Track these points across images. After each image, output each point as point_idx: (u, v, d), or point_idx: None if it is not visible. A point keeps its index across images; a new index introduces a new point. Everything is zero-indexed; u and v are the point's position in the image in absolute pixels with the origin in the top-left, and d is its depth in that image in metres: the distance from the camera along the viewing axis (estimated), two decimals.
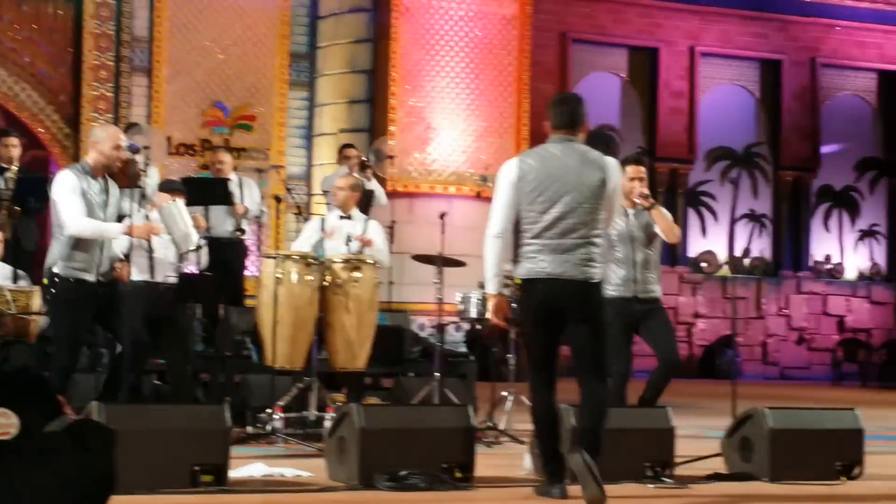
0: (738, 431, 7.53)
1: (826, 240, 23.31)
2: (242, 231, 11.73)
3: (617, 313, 7.97)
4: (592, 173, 6.33)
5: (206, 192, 11.43)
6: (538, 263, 6.30)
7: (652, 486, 6.87)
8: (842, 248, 23.40)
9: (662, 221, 8.15)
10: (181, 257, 8.79)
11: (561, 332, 6.38)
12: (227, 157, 12.18)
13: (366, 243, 9.43)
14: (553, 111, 6.43)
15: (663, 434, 7.10)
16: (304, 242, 9.66)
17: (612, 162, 6.45)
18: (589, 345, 6.36)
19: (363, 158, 12.57)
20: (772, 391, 17.18)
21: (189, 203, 10.53)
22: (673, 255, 20.79)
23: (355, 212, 9.70)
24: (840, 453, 7.46)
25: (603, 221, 6.40)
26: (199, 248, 9.02)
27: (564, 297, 6.30)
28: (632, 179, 8.17)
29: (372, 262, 8.98)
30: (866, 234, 23.60)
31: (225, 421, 6.33)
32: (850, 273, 23.36)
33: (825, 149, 23.22)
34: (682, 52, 22.14)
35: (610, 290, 8.03)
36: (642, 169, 8.31)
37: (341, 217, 9.60)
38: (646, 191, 8.19)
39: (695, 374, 20.53)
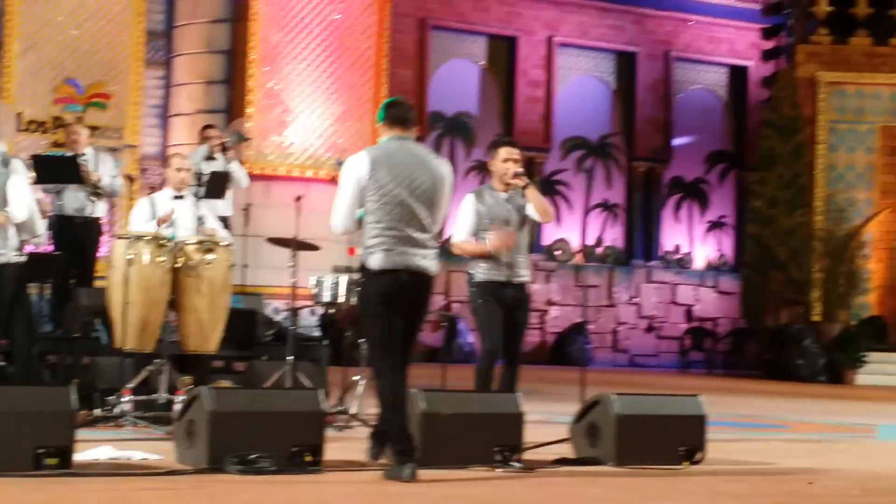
0: (585, 417, 7.66)
1: (676, 230, 23.78)
2: (98, 195, 11.43)
3: (490, 293, 8.06)
4: (433, 171, 6.72)
5: (55, 170, 11.19)
6: (389, 255, 6.57)
7: (500, 470, 6.95)
8: (691, 238, 23.89)
9: (537, 200, 8.21)
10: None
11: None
12: (82, 131, 11.92)
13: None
14: (389, 112, 6.79)
15: (512, 419, 7.18)
16: (138, 224, 9.32)
17: (446, 163, 6.88)
18: (412, 333, 6.70)
19: (224, 139, 12.45)
20: (621, 378, 17.48)
21: (38, 181, 10.35)
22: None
23: (188, 192, 9.50)
24: (683, 438, 7.63)
25: (438, 219, 6.75)
26: (40, 236, 8.77)
27: (411, 287, 6.61)
28: (506, 161, 8.22)
29: (225, 244, 8.92)
30: (715, 225, 24.13)
31: (70, 403, 6.24)
32: (699, 263, 23.86)
33: (677, 141, 23.68)
34: (540, 42, 22.37)
35: (480, 274, 8.10)
36: (515, 150, 8.37)
37: (175, 197, 9.38)
38: (521, 170, 8.24)
39: (546, 360, 20.79)
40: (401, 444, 6.42)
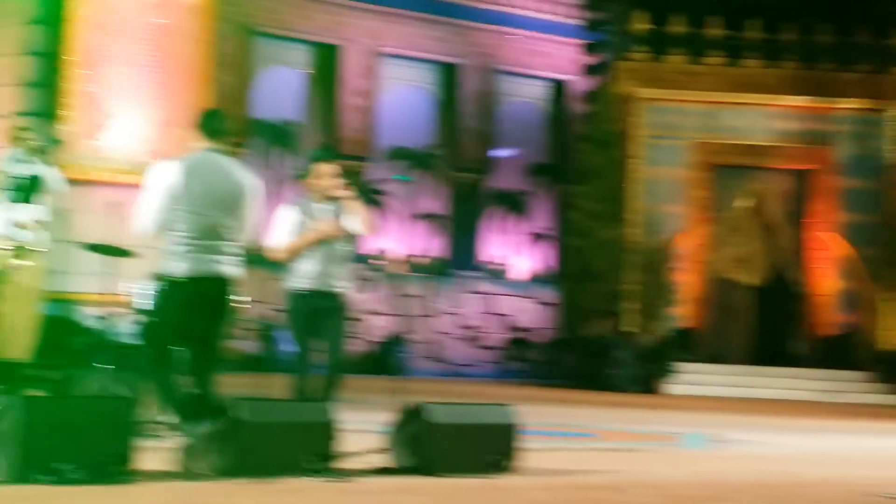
0: (403, 426, 7.72)
1: (498, 241, 24.07)
2: None
3: (299, 306, 8.06)
4: (239, 183, 7.04)
5: None
6: (194, 263, 6.87)
7: (314, 479, 6.96)
8: (512, 249, 24.20)
9: (362, 213, 8.25)
10: None
11: None
12: None
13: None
14: (204, 123, 7.09)
15: (324, 428, 7.20)
16: None
17: (252, 175, 7.20)
18: (215, 335, 7.03)
19: (39, 143, 12.18)
20: (442, 387, 17.60)
21: None
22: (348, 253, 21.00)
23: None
24: (498, 447, 7.75)
25: (243, 228, 7.06)
26: None
27: (215, 294, 6.94)
28: (328, 176, 8.24)
29: (38, 249, 8.75)
30: (536, 237, 24.49)
31: None
32: (520, 274, 24.19)
33: (499, 153, 23.98)
34: (364, 52, 22.44)
35: (295, 283, 8.10)
36: (336, 165, 8.41)
37: None
38: (346, 181, 8.28)
39: (368, 370, 20.80)
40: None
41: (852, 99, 22.40)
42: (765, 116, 22.47)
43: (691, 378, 20.72)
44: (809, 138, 22.48)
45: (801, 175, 22.72)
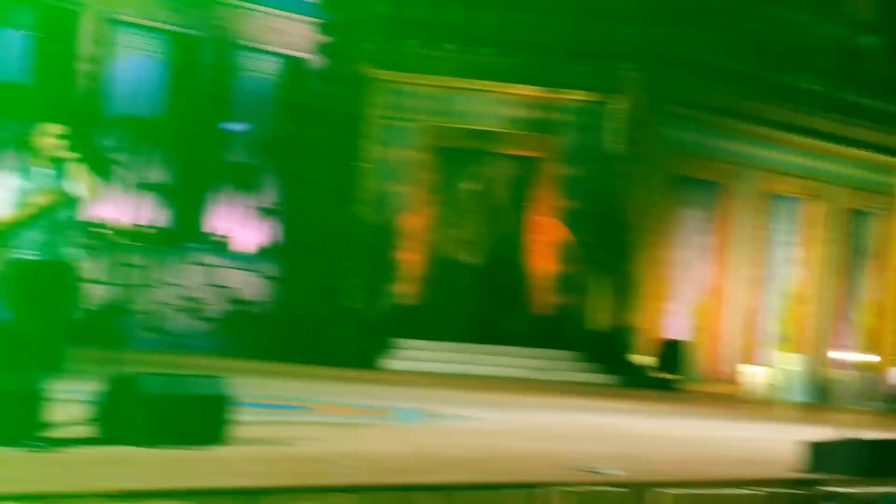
0: (113, 396, 7.71)
1: (224, 214, 23.90)
2: None
3: (18, 274, 7.94)
4: None
5: None
6: None
7: (24, 450, 6.88)
8: (238, 222, 24.09)
9: (84, 177, 8.15)
10: None
11: None
12: None
13: None
14: None
15: (33, 396, 7.12)
16: None
17: None
18: None
19: None
20: (161, 359, 17.46)
21: None
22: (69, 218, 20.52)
23: None
24: (209, 418, 7.83)
25: None
26: None
27: None
28: (52, 139, 8.12)
29: None
30: (262, 211, 24.44)
31: None
32: (244, 247, 24.09)
33: (231, 126, 23.83)
34: (100, 18, 21.99)
35: (15, 252, 7.97)
36: (62, 129, 8.26)
37: None
38: (67, 143, 8.16)
39: (85, 339, 20.40)
40: None
41: (579, 91, 23.21)
42: (495, 103, 23.07)
43: (411, 354, 21.16)
44: (536, 126, 23.19)
45: (526, 161, 23.43)
